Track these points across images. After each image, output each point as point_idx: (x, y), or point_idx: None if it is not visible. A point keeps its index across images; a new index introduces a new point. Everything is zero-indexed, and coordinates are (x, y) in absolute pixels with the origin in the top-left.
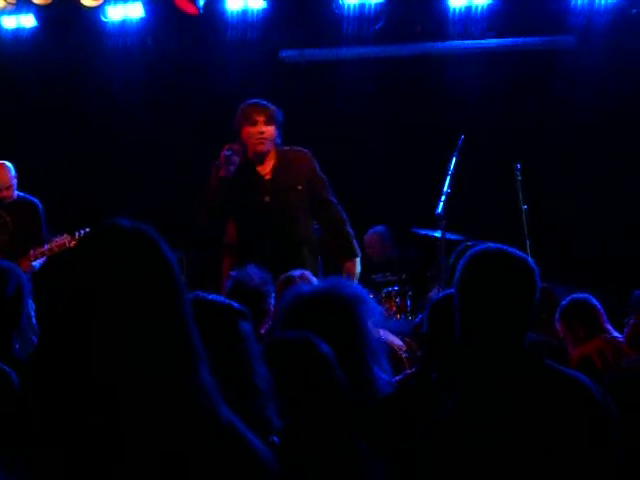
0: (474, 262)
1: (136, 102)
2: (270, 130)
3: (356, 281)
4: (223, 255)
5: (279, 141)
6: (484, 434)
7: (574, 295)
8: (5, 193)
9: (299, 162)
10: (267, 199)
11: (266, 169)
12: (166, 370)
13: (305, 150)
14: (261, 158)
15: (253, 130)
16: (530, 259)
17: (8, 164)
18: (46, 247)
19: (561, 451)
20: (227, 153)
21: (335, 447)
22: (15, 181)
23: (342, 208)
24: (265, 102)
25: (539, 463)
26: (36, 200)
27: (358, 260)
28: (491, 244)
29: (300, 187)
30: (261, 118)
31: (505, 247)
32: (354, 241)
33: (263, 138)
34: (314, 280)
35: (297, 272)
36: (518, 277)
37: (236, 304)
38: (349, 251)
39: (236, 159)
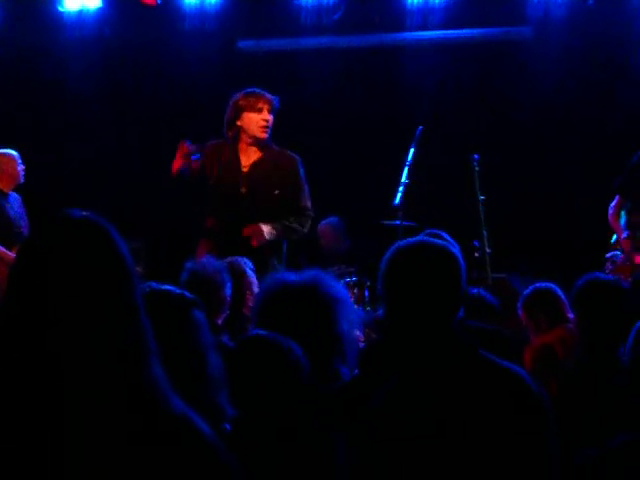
0: (395, 255)
1: (93, 92)
2: (271, 120)
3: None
4: (198, 240)
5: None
6: (412, 423)
7: (537, 284)
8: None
9: (281, 167)
10: (243, 190)
11: (248, 161)
12: (115, 363)
13: (294, 155)
14: (244, 150)
15: (258, 117)
16: (454, 248)
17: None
18: None
19: (491, 440)
20: (190, 148)
21: (294, 438)
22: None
23: (313, 213)
24: (275, 97)
25: (468, 453)
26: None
27: (270, 230)
28: (415, 238)
29: (277, 192)
30: (266, 107)
31: (429, 239)
32: (288, 227)
33: (267, 127)
34: (250, 266)
35: (240, 258)
36: (439, 266)
37: (188, 294)
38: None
39: (183, 161)
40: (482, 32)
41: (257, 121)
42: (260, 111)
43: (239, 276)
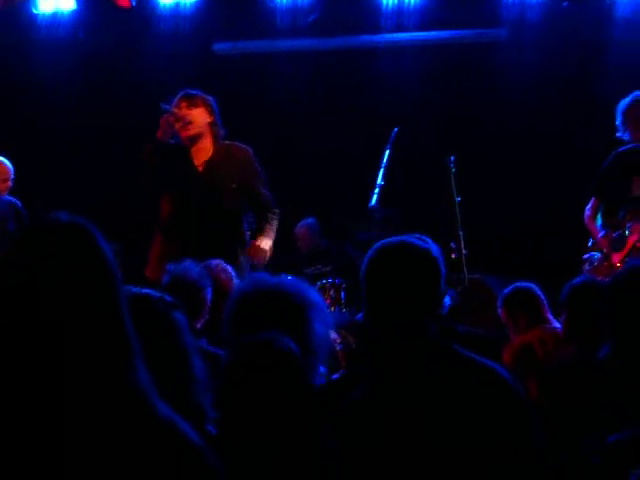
0: (375, 254)
1: (67, 95)
2: (193, 114)
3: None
4: (155, 234)
5: (218, 132)
6: (391, 421)
7: (518, 283)
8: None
9: (234, 159)
10: (199, 191)
11: (199, 161)
12: (101, 367)
13: (244, 147)
14: (191, 142)
15: (179, 114)
16: (433, 248)
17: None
18: None
19: (469, 436)
20: (167, 110)
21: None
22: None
23: (275, 202)
24: (196, 92)
25: (446, 450)
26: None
27: (267, 241)
28: (394, 237)
29: (234, 186)
30: (184, 102)
31: (408, 238)
32: (272, 225)
33: (185, 122)
34: (231, 270)
35: (214, 262)
36: (418, 266)
37: (168, 297)
38: (260, 232)
39: (174, 125)
40: (457, 34)
41: (179, 116)
42: (178, 107)
43: (218, 280)
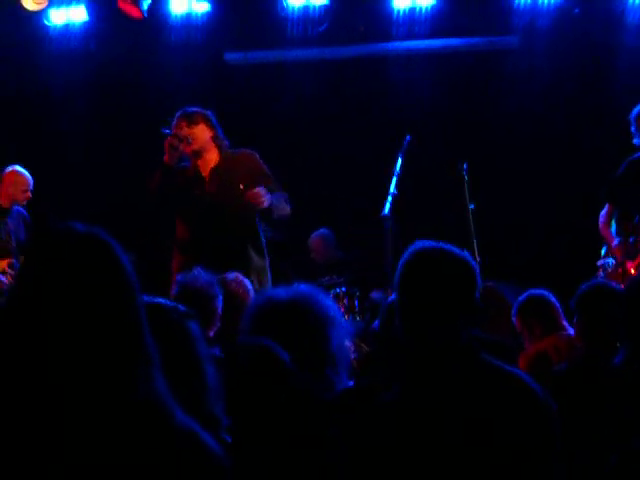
0: (412, 259)
1: (80, 106)
2: (194, 132)
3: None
4: (172, 252)
5: (221, 143)
6: (420, 425)
7: (531, 291)
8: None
9: (242, 161)
10: (207, 196)
11: (207, 167)
12: (120, 377)
13: (249, 150)
14: (196, 156)
15: (181, 135)
16: (469, 257)
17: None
18: None
19: (497, 444)
20: (168, 134)
21: (291, 450)
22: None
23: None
24: (193, 109)
25: (473, 456)
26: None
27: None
28: (430, 242)
29: (242, 187)
30: (183, 122)
31: (444, 245)
32: (279, 195)
33: (187, 140)
34: (248, 284)
35: (231, 275)
36: (456, 274)
37: (182, 306)
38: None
39: (178, 147)
40: (469, 41)
41: (181, 135)
42: (180, 128)
43: (234, 292)
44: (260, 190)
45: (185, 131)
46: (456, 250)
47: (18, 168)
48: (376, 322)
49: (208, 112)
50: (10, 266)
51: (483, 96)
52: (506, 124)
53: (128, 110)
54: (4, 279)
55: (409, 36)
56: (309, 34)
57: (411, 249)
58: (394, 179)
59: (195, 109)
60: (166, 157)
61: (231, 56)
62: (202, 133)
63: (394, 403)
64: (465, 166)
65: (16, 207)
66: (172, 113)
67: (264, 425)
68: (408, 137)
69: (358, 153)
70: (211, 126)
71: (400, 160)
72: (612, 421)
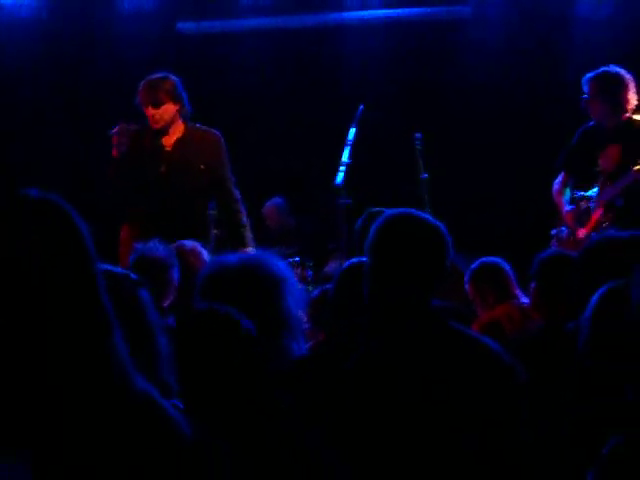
0: (386, 224)
1: (31, 76)
2: (160, 112)
3: None
4: (122, 223)
5: (186, 114)
6: (389, 389)
7: (484, 258)
8: None
9: (205, 142)
10: (162, 169)
11: (169, 141)
12: (82, 341)
13: (215, 132)
14: (161, 133)
15: (145, 112)
16: (443, 226)
17: None
18: None
19: (467, 409)
20: (114, 133)
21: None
22: None
23: (238, 189)
24: (160, 78)
25: (442, 420)
26: None
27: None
28: (403, 209)
29: (202, 167)
30: (149, 101)
31: (417, 212)
32: (246, 231)
33: (154, 120)
34: (205, 254)
35: (189, 244)
36: (429, 240)
37: (133, 274)
38: (240, 242)
39: (124, 140)
40: (422, 11)
41: (147, 116)
42: (145, 106)
43: (187, 259)
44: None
45: (150, 111)
46: (429, 217)
47: None
48: (328, 288)
49: (174, 79)
50: None
51: (437, 66)
52: (460, 94)
53: (80, 80)
54: None
55: (362, 6)
56: (261, 4)
57: (385, 214)
58: (347, 149)
59: (159, 80)
60: (114, 151)
61: (184, 26)
62: (168, 111)
63: (359, 368)
64: (419, 136)
65: None
66: (124, 82)
67: (221, 394)
68: (361, 106)
69: (311, 123)
70: (177, 99)
71: (353, 129)
72: (568, 387)
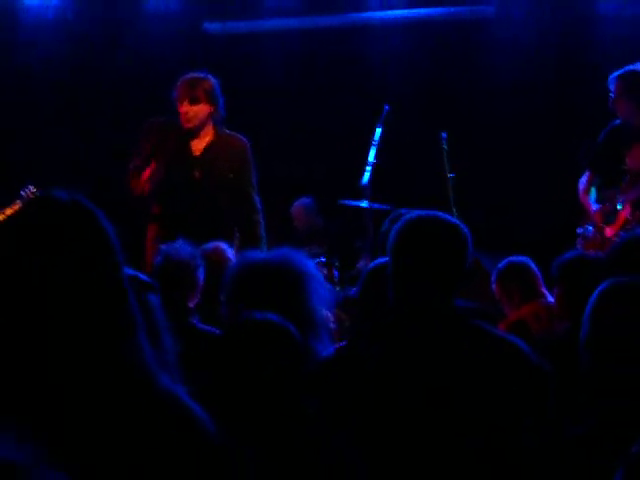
0: (408, 226)
1: (56, 77)
2: (195, 109)
3: None
4: (147, 223)
5: (219, 119)
6: (409, 390)
7: (511, 258)
8: None
9: (233, 149)
10: (197, 175)
11: (199, 146)
12: (108, 343)
13: (242, 138)
14: (191, 134)
15: (180, 108)
16: (463, 225)
17: None
18: None
19: (490, 410)
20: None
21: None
22: None
23: (260, 207)
24: (201, 77)
25: (467, 421)
26: None
27: None
28: (425, 211)
29: (231, 176)
30: (187, 97)
31: (439, 213)
32: (262, 244)
33: (187, 118)
34: (230, 252)
35: (211, 245)
36: (450, 241)
37: (143, 276)
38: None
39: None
40: (445, 11)
41: (180, 112)
42: (181, 102)
43: (213, 259)
44: None
45: (185, 108)
46: (450, 218)
47: None
48: (354, 290)
49: (213, 81)
50: None
51: (460, 66)
52: (484, 94)
53: (106, 80)
54: None
55: (386, 6)
56: (287, 4)
57: (406, 217)
58: (373, 149)
59: (200, 78)
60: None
61: (210, 26)
62: (202, 111)
63: (382, 369)
64: (444, 136)
65: None
66: (150, 83)
67: (253, 400)
68: (386, 107)
69: (337, 123)
70: (213, 101)
71: (379, 130)
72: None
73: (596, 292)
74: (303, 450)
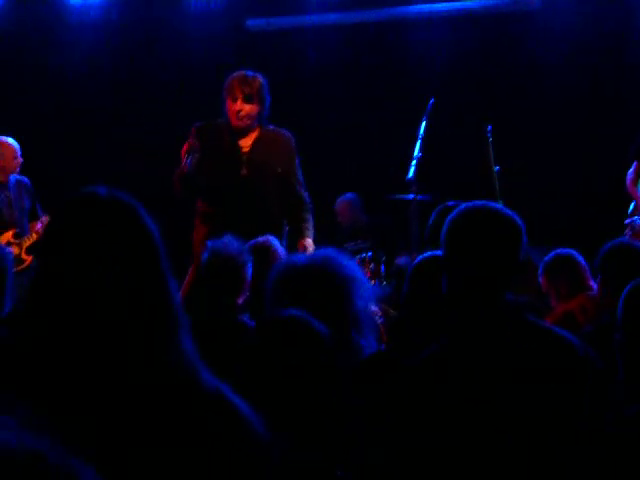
0: (463, 217)
1: (102, 77)
2: (249, 108)
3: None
4: (195, 222)
5: (264, 117)
6: (462, 382)
7: (558, 250)
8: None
9: (279, 144)
10: (244, 172)
11: (246, 143)
12: (153, 339)
13: (287, 133)
14: (240, 133)
15: (233, 106)
16: (517, 216)
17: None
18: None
19: (539, 402)
20: (187, 153)
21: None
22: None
23: (309, 199)
24: (253, 76)
25: (517, 413)
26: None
27: (310, 240)
28: (478, 202)
29: (279, 170)
30: (241, 95)
31: (493, 204)
32: (308, 224)
33: (241, 115)
34: (278, 245)
35: (261, 239)
36: (506, 232)
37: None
38: (303, 233)
39: (192, 158)
40: (490, 3)
41: (232, 110)
42: (235, 100)
43: (262, 255)
44: (309, 246)
45: (239, 104)
46: (504, 209)
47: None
48: (404, 286)
49: (263, 81)
50: (15, 236)
51: (505, 58)
52: (529, 86)
53: (150, 79)
54: (12, 250)
55: None
56: None
57: (461, 207)
58: (418, 142)
59: (253, 77)
60: (184, 168)
61: (253, 22)
62: (254, 110)
63: (434, 363)
64: (489, 128)
65: (13, 176)
66: (194, 81)
67: (293, 398)
68: (432, 100)
69: (382, 118)
70: (262, 101)
71: (424, 123)
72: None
73: (627, 288)
74: (344, 448)
